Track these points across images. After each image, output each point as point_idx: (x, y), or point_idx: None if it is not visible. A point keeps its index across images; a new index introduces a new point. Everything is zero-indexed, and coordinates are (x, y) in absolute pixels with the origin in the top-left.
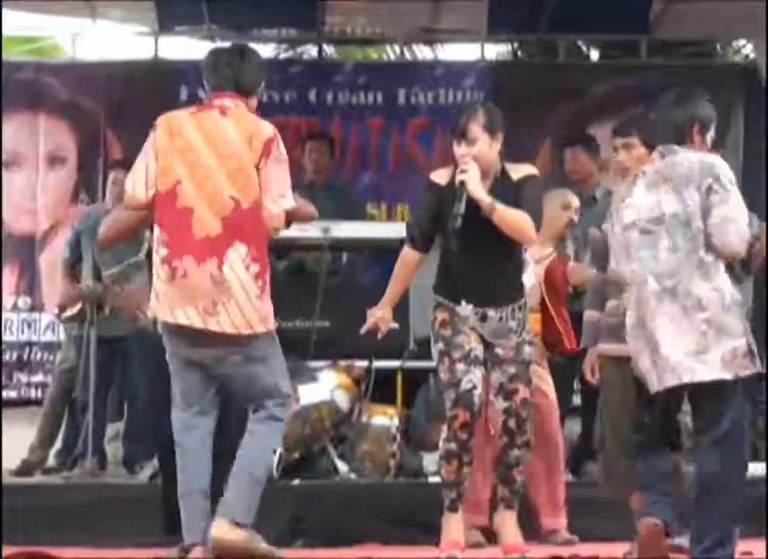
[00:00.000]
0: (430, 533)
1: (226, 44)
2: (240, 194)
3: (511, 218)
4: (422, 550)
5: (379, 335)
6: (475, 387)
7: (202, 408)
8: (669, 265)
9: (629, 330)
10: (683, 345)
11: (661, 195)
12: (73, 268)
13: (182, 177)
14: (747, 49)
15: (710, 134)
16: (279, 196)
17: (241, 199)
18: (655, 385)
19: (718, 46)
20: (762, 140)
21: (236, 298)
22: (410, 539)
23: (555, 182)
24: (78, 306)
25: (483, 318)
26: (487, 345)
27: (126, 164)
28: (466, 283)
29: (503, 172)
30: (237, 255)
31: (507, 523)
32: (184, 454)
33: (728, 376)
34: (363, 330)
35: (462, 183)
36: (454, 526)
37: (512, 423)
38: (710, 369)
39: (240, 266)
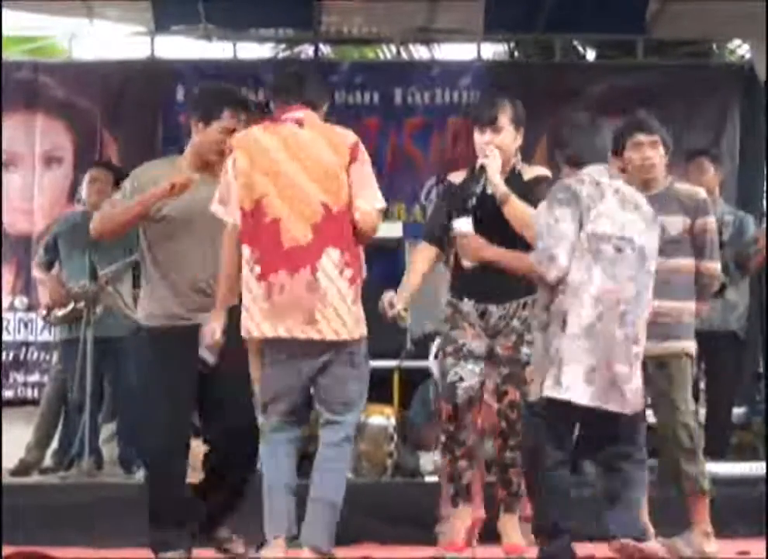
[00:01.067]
0: (428, 532)
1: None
2: (330, 199)
3: (522, 212)
4: (419, 549)
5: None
6: (461, 380)
7: (296, 416)
8: (628, 291)
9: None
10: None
11: (629, 219)
12: (48, 270)
13: (268, 191)
14: (743, 49)
15: None
16: (373, 196)
17: (332, 204)
18: (591, 400)
19: (714, 46)
20: (758, 140)
21: (334, 304)
22: (408, 539)
23: (553, 180)
24: (70, 306)
25: (483, 314)
26: (488, 343)
27: (105, 165)
28: (470, 279)
29: (516, 171)
30: (330, 260)
31: (508, 525)
32: (272, 453)
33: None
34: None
35: (483, 167)
36: (454, 524)
37: (503, 425)
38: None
39: (334, 272)
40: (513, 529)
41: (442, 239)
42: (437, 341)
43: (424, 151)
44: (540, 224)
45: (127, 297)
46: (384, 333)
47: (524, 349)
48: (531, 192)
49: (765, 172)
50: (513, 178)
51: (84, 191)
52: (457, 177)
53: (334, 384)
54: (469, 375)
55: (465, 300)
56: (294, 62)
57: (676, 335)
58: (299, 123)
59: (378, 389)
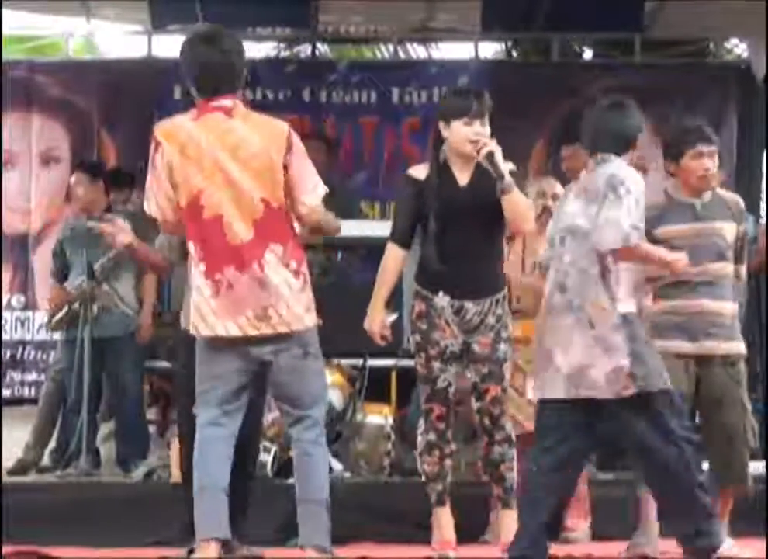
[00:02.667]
0: (425, 532)
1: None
2: (269, 195)
3: (522, 203)
4: (416, 548)
5: (383, 342)
6: (450, 385)
7: (235, 410)
8: (571, 279)
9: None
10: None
11: (576, 205)
12: (60, 277)
13: (204, 186)
14: (740, 48)
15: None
16: (313, 187)
17: (271, 200)
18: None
19: (712, 45)
20: (756, 139)
21: (284, 298)
22: (405, 538)
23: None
24: (65, 308)
25: (458, 311)
26: (463, 339)
27: (87, 167)
28: (445, 274)
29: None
30: (274, 255)
31: (506, 522)
32: (206, 452)
33: (609, 395)
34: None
35: (491, 154)
36: (444, 523)
37: (486, 421)
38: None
39: (279, 266)
40: (512, 525)
41: (410, 239)
42: (416, 337)
43: (422, 150)
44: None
45: (125, 294)
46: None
47: (501, 346)
48: None
49: (763, 171)
50: (485, 172)
51: (72, 194)
52: (419, 172)
53: (293, 379)
54: (455, 378)
55: (440, 295)
56: (291, 61)
57: (738, 337)
58: (227, 111)
59: (376, 388)
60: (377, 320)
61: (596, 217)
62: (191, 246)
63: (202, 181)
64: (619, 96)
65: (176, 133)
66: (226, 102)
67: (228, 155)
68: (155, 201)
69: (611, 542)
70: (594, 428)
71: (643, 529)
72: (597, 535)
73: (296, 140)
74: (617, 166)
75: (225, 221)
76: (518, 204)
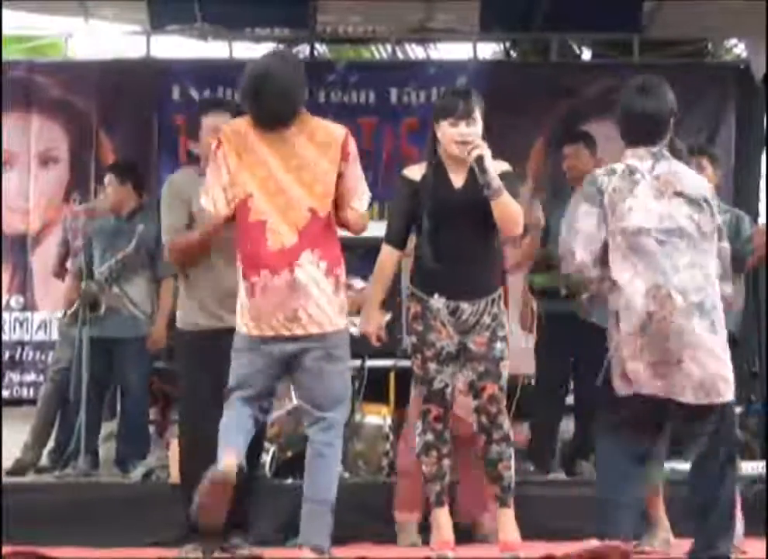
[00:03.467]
0: (424, 532)
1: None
2: (317, 204)
3: (511, 208)
4: (415, 548)
5: (378, 343)
6: (447, 386)
7: (259, 402)
8: (695, 282)
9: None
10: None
11: (673, 206)
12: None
13: (254, 191)
14: (739, 48)
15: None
16: (363, 193)
17: (319, 209)
18: (673, 395)
19: (710, 45)
20: (754, 139)
21: (314, 297)
22: None
23: (549, 179)
24: (73, 308)
25: (454, 312)
26: (459, 340)
27: (118, 168)
28: (440, 275)
29: None
30: (308, 257)
31: (503, 521)
32: (231, 419)
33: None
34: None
35: (480, 158)
36: (443, 523)
37: (484, 420)
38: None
39: (311, 267)
40: (510, 525)
41: (405, 240)
42: (412, 338)
43: (421, 150)
44: (566, 216)
45: (136, 297)
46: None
47: (498, 345)
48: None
49: (762, 171)
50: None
51: (101, 194)
52: (414, 173)
53: (315, 380)
54: (451, 378)
55: (436, 296)
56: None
57: None
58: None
59: (375, 388)
60: (372, 321)
61: (714, 226)
62: (237, 249)
63: (254, 186)
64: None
65: (236, 136)
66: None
67: (281, 164)
68: (212, 195)
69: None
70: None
71: (652, 530)
72: (591, 534)
73: (352, 146)
74: (693, 172)
75: (268, 227)
76: (507, 208)
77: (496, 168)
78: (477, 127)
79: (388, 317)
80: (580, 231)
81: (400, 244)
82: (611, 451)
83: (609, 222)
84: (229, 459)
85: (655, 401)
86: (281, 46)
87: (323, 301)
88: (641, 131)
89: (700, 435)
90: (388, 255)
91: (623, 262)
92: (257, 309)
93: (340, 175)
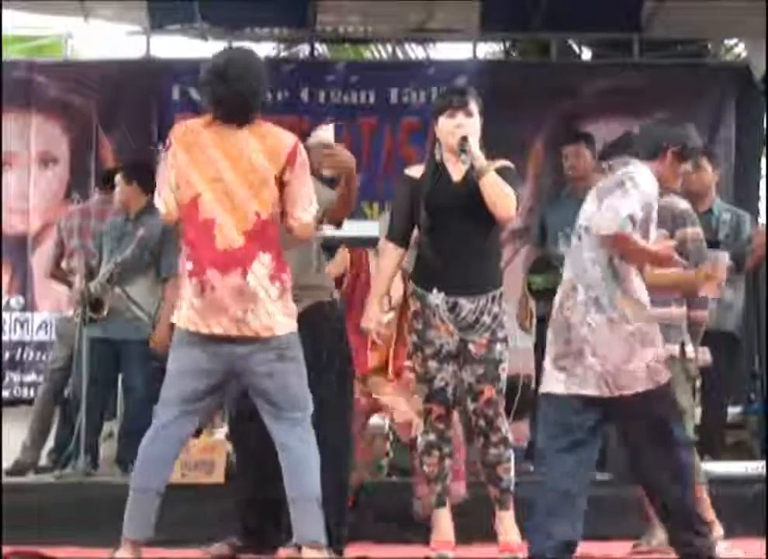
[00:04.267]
0: (424, 531)
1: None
2: (261, 208)
3: (499, 187)
4: (415, 548)
5: (380, 340)
6: (447, 384)
7: (193, 412)
8: (592, 277)
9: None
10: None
11: (592, 205)
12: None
13: (202, 190)
14: (739, 48)
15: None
16: (309, 203)
17: (262, 212)
18: (572, 389)
19: (710, 45)
20: (754, 138)
21: (263, 303)
22: (404, 538)
23: (548, 178)
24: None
25: (453, 308)
26: (459, 337)
27: (124, 168)
28: (439, 270)
29: None
30: (261, 265)
31: (503, 523)
32: (150, 453)
33: (650, 386)
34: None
35: (465, 138)
36: (444, 523)
37: (482, 423)
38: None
39: (262, 274)
40: (509, 525)
41: (407, 238)
42: (413, 337)
43: (421, 150)
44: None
45: (139, 298)
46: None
47: (497, 347)
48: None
49: (762, 170)
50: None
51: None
52: (415, 171)
53: (269, 380)
54: (452, 377)
55: (435, 291)
56: (290, 61)
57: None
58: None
59: None
60: (373, 317)
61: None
62: (183, 246)
63: (202, 185)
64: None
65: (187, 136)
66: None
67: (229, 165)
68: (163, 196)
69: (608, 541)
70: (601, 428)
71: (651, 529)
72: (592, 534)
73: (300, 156)
74: (635, 167)
75: (216, 226)
76: (494, 188)
77: (496, 166)
78: (473, 119)
79: (390, 315)
80: None
81: (402, 242)
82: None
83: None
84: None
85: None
86: (280, 46)
87: (270, 307)
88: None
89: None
90: (389, 253)
91: None
92: (205, 307)
93: (285, 183)
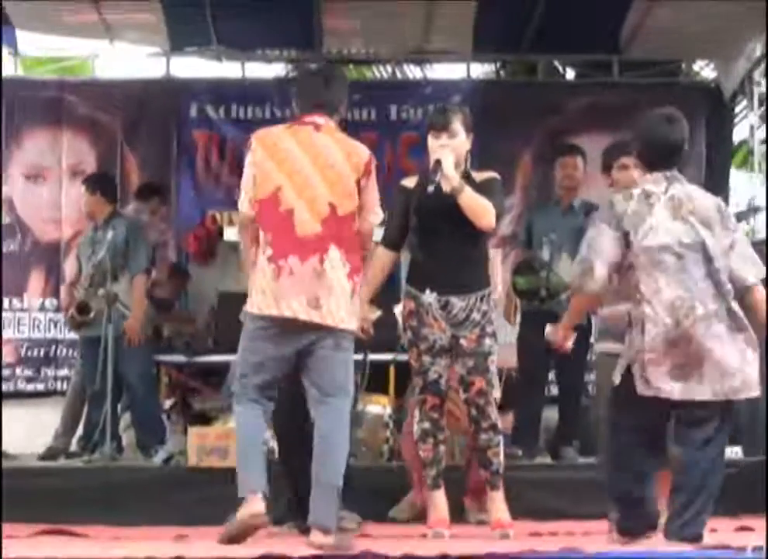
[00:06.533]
0: (421, 512)
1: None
2: (337, 201)
3: (475, 202)
4: (413, 527)
5: (364, 336)
6: (441, 376)
7: (271, 397)
8: (708, 292)
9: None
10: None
11: (688, 224)
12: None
13: (282, 184)
14: (706, 70)
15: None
16: (378, 209)
17: (338, 206)
18: (691, 395)
19: (683, 66)
20: (723, 152)
21: (336, 294)
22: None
23: (536, 188)
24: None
25: (445, 306)
26: (451, 333)
27: (87, 180)
28: (431, 272)
29: (468, 175)
30: (336, 254)
31: (494, 502)
32: (246, 426)
33: (757, 392)
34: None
35: (438, 162)
36: (439, 504)
37: (474, 411)
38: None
39: (339, 265)
40: (501, 505)
41: (400, 243)
42: (408, 334)
43: (419, 163)
44: (585, 238)
45: (122, 295)
46: (380, 329)
47: (486, 341)
48: (482, 190)
49: (729, 181)
50: (465, 179)
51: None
52: (410, 182)
53: (323, 365)
54: (445, 370)
55: (428, 292)
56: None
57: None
58: (317, 127)
59: (376, 380)
60: (362, 314)
61: (728, 247)
62: (262, 235)
63: (283, 179)
64: (672, 109)
65: (268, 137)
66: (319, 119)
67: (309, 161)
68: (242, 198)
69: (588, 520)
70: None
71: None
72: (575, 514)
73: (373, 168)
74: (704, 192)
75: (296, 215)
76: (471, 202)
77: (481, 176)
78: (455, 139)
79: (378, 313)
80: (601, 251)
81: (394, 247)
82: (628, 449)
83: (632, 242)
84: (255, 507)
85: (667, 402)
86: (289, 67)
87: (342, 300)
88: (663, 157)
89: (701, 427)
90: (380, 256)
91: (647, 277)
92: (281, 290)
93: (360, 188)
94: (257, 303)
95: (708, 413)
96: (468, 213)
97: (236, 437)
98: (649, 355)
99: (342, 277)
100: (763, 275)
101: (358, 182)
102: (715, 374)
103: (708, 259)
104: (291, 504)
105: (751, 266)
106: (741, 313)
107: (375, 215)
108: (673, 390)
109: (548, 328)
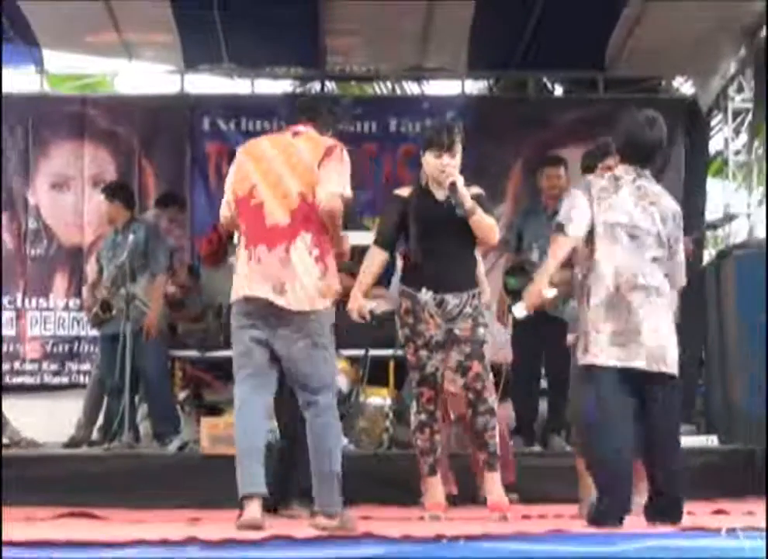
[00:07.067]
0: (418, 495)
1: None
2: (306, 190)
3: (486, 222)
4: (410, 510)
5: (360, 318)
6: (437, 370)
7: (267, 383)
8: (654, 270)
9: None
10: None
11: (647, 213)
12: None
13: (257, 181)
14: (684, 87)
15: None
16: (331, 184)
17: (307, 194)
18: (627, 363)
19: (663, 83)
20: (700, 164)
21: (301, 279)
22: (401, 501)
23: (525, 196)
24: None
25: (440, 303)
26: (447, 328)
27: (105, 189)
28: (428, 274)
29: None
30: (303, 241)
31: (490, 484)
32: (245, 420)
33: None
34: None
35: (453, 184)
36: (435, 489)
37: (471, 395)
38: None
39: (304, 251)
40: (497, 487)
41: (391, 244)
42: (405, 331)
43: (415, 173)
44: (562, 204)
45: (141, 294)
46: (380, 327)
47: (480, 329)
48: (479, 204)
49: (706, 189)
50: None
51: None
52: (404, 192)
53: (303, 365)
54: (440, 364)
55: (423, 290)
56: (303, 96)
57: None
58: (295, 133)
59: (376, 374)
60: (356, 303)
61: (675, 246)
62: (240, 225)
63: (258, 177)
64: (653, 112)
65: (251, 145)
66: (300, 127)
67: (283, 160)
68: (225, 200)
69: (561, 505)
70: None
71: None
72: (569, 499)
73: (337, 152)
74: (668, 197)
75: (266, 207)
76: (482, 222)
77: (470, 191)
78: (456, 158)
79: (373, 304)
80: (576, 207)
81: (386, 247)
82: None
83: (594, 213)
84: (252, 513)
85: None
86: (296, 83)
87: (309, 284)
88: (639, 155)
89: (649, 405)
90: (374, 254)
91: (601, 247)
92: (251, 275)
93: (320, 168)
94: (235, 289)
95: (653, 384)
96: (478, 232)
97: (235, 432)
98: (591, 321)
99: (309, 262)
100: (680, 286)
101: (319, 165)
102: (651, 344)
103: (660, 245)
104: (296, 489)
105: (681, 275)
106: (674, 297)
107: (323, 188)
108: (611, 356)
109: (569, 337)
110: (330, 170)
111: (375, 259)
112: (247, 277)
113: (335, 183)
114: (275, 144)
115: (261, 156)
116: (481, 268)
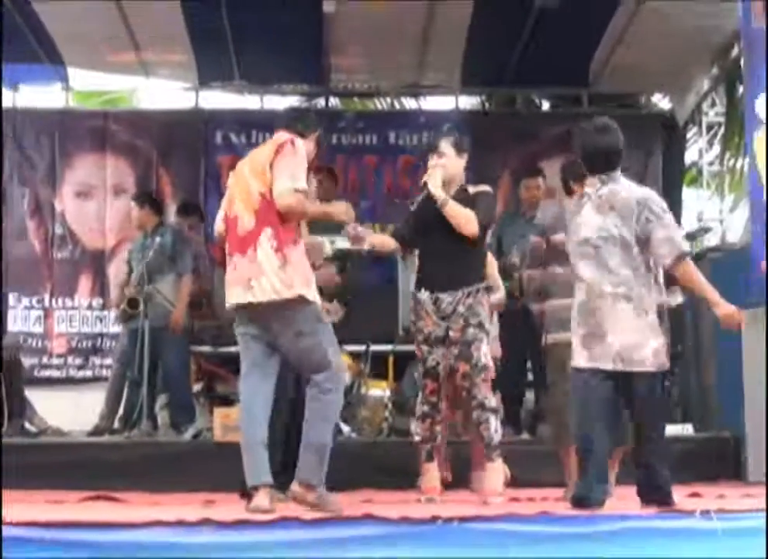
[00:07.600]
0: (415, 480)
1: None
2: (264, 189)
3: (457, 212)
4: (408, 494)
5: (354, 244)
6: (438, 364)
7: (265, 374)
8: (622, 277)
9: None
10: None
11: (608, 219)
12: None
13: (234, 196)
14: (662, 103)
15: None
16: (282, 180)
17: (266, 192)
18: (594, 363)
19: (643, 98)
20: (676, 175)
21: (265, 272)
22: (399, 486)
23: (513, 204)
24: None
25: (435, 302)
26: (444, 325)
27: (136, 197)
28: (426, 274)
29: (464, 188)
30: (265, 237)
31: (488, 472)
32: (247, 412)
33: (654, 368)
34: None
35: (425, 183)
36: (431, 474)
37: (463, 393)
38: (642, 362)
39: (266, 245)
40: (494, 476)
41: (404, 238)
42: (411, 328)
43: (414, 182)
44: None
45: (166, 292)
46: (381, 324)
47: (470, 330)
48: (474, 201)
49: (681, 197)
50: (460, 192)
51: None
52: (419, 197)
53: (298, 355)
54: (441, 358)
55: (422, 290)
56: (309, 111)
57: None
58: (266, 141)
59: (377, 367)
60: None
61: (640, 232)
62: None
63: (236, 192)
64: (605, 119)
65: (238, 164)
66: (276, 135)
67: (249, 169)
68: (219, 218)
69: (564, 488)
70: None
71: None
72: (555, 483)
73: (287, 147)
74: (630, 186)
75: (239, 219)
76: (454, 213)
77: (476, 190)
78: (443, 158)
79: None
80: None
81: (397, 238)
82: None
83: (569, 236)
84: (260, 501)
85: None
86: (301, 99)
87: (272, 275)
88: (598, 162)
89: (630, 399)
90: (389, 240)
91: (577, 264)
92: (230, 281)
93: (271, 167)
94: (226, 298)
95: (639, 382)
96: (452, 221)
97: (240, 425)
98: (573, 328)
99: (270, 255)
100: (679, 251)
101: (272, 165)
102: (615, 346)
103: (625, 247)
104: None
105: (668, 248)
106: (651, 298)
107: (275, 185)
108: (581, 358)
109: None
110: (282, 167)
111: (388, 239)
112: (228, 285)
113: (285, 179)
114: (249, 157)
115: (239, 171)
116: (493, 266)
